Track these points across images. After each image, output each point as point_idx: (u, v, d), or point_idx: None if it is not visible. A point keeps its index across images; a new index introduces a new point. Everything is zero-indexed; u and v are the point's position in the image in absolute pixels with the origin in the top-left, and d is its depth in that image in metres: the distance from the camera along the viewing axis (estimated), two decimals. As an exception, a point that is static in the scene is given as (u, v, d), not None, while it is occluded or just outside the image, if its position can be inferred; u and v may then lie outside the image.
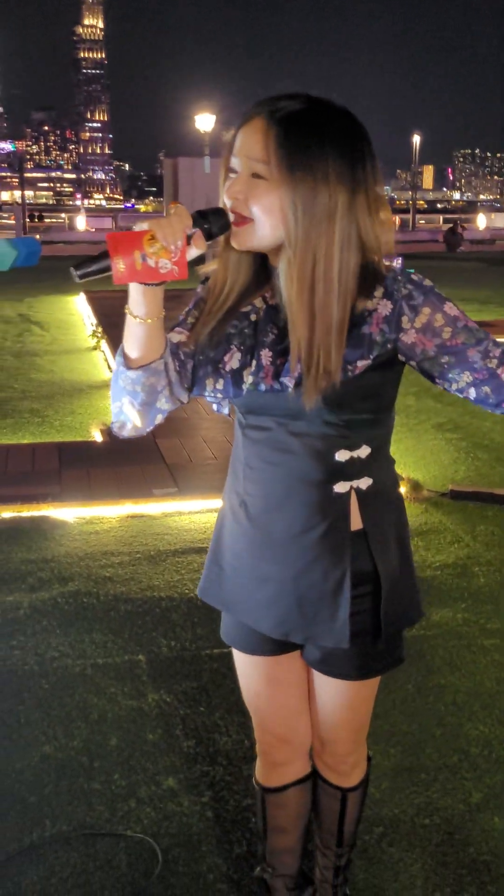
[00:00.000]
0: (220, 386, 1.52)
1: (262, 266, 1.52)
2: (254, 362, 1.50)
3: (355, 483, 1.56)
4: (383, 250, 1.47)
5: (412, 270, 1.52)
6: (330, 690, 1.75)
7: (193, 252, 1.40)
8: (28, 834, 2.37)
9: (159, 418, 1.55)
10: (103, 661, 3.23)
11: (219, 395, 1.53)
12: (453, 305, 1.51)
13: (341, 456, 1.53)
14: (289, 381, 1.47)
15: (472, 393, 1.50)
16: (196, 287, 1.64)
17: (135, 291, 1.40)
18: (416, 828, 2.41)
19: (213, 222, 1.41)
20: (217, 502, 4.86)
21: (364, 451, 1.55)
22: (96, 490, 4.94)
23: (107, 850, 2.32)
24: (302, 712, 1.83)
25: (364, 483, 1.57)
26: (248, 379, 1.50)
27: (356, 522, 1.58)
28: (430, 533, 4.49)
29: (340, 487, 1.55)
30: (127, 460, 5.50)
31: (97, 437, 6.21)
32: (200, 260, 1.51)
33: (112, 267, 1.35)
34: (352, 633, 1.61)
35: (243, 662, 1.79)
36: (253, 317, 1.53)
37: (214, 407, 1.62)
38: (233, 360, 1.51)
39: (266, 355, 1.50)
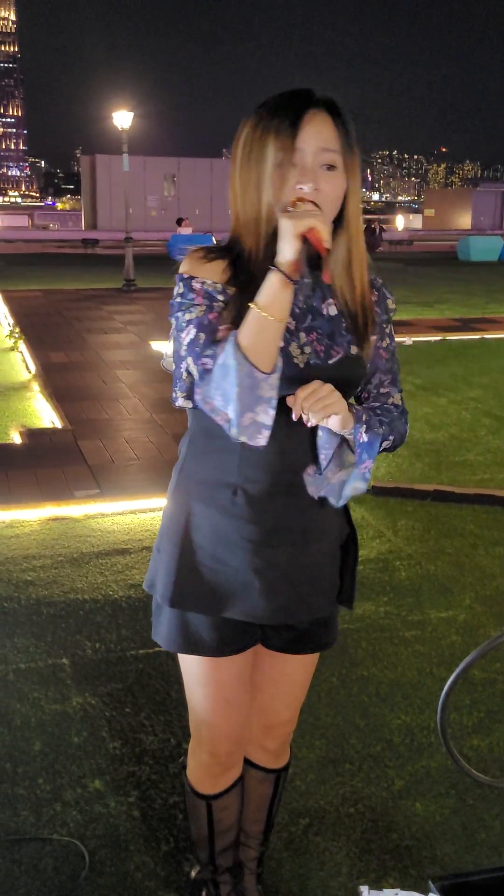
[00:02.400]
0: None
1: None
2: (301, 335, 1.55)
3: None
4: None
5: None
6: (294, 668, 1.82)
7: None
8: (-49, 843, 2.33)
9: (176, 393, 1.57)
10: (26, 665, 3.19)
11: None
12: None
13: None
14: (336, 353, 1.56)
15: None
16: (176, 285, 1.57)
17: (281, 291, 1.42)
18: (342, 817, 2.45)
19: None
20: (141, 503, 4.88)
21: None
22: (16, 493, 4.87)
23: (32, 854, 2.29)
24: (249, 708, 1.86)
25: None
26: (302, 351, 1.54)
27: None
28: (352, 528, 4.56)
29: None
30: (47, 462, 5.43)
31: (16, 439, 6.10)
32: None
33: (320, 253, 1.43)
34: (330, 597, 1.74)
35: (210, 667, 1.73)
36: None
37: (181, 402, 1.57)
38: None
39: (302, 332, 1.55)
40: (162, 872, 2.23)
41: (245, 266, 1.52)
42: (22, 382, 8.32)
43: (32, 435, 6.14)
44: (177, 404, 1.57)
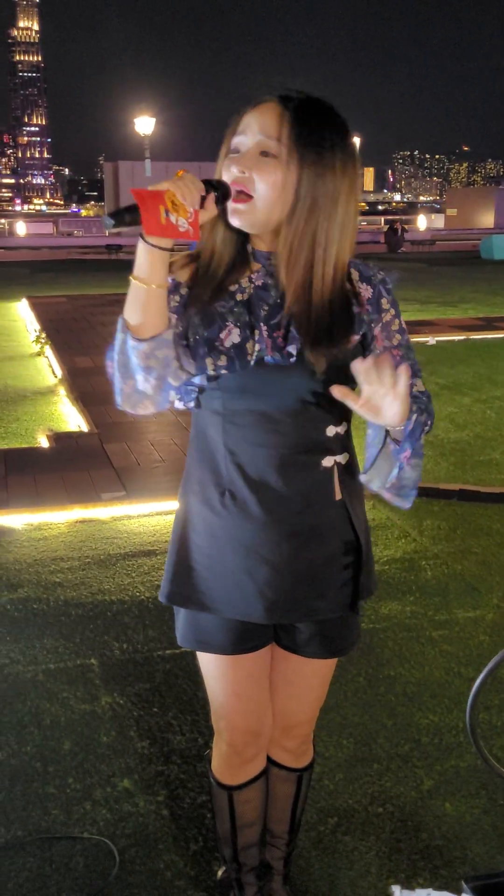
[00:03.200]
0: (222, 362, 1.53)
1: (243, 247, 1.57)
2: (256, 333, 1.53)
3: (338, 458, 1.64)
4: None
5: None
6: (311, 670, 1.80)
7: (205, 215, 1.45)
8: (-17, 841, 2.35)
9: (172, 395, 1.59)
10: (55, 666, 3.22)
11: (222, 372, 1.53)
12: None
13: (329, 431, 1.61)
14: (293, 350, 1.51)
15: None
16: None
17: (145, 256, 1.42)
18: (370, 816, 2.45)
19: (219, 187, 1.47)
20: (166, 504, 4.91)
21: (343, 428, 1.64)
22: (44, 496, 4.91)
23: (63, 853, 2.31)
24: (268, 704, 1.86)
25: (343, 458, 1.65)
26: (255, 348, 1.52)
27: (337, 494, 1.65)
28: (379, 528, 4.55)
29: (327, 462, 1.62)
30: (74, 465, 5.47)
31: (43, 443, 6.16)
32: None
33: (142, 218, 1.38)
34: (339, 603, 1.70)
35: (220, 664, 1.75)
36: (240, 296, 1.56)
37: (179, 405, 1.62)
38: (231, 336, 1.54)
39: (263, 329, 1.53)
40: (191, 872, 2.24)
41: (209, 255, 1.56)
42: (48, 387, 8.39)
43: (59, 439, 6.19)
44: (165, 406, 1.61)
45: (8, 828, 2.40)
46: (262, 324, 1.54)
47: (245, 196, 1.47)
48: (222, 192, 1.48)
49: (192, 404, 1.62)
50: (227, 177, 1.48)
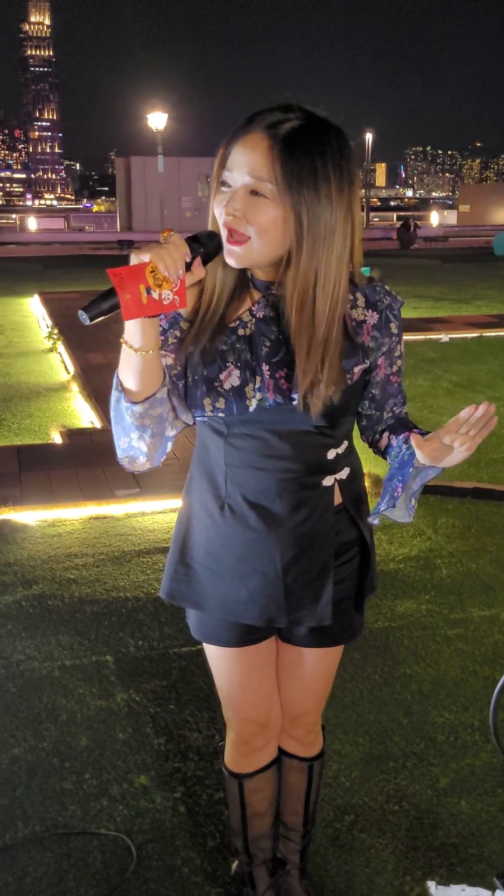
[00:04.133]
0: (220, 405, 1.51)
1: (242, 278, 1.53)
2: (257, 378, 1.49)
3: (338, 476, 1.65)
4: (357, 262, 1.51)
5: (382, 282, 1.61)
6: (311, 661, 1.82)
7: (192, 278, 1.40)
8: (0, 836, 2.36)
9: (169, 447, 1.57)
10: (70, 662, 3.23)
11: (220, 416, 1.51)
12: None
13: (330, 454, 1.61)
14: (296, 395, 1.48)
15: (363, 422, 1.70)
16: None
17: (132, 325, 1.37)
18: (386, 814, 2.45)
19: (207, 245, 1.40)
20: (180, 501, 4.87)
21: (344, 447, 1.64)
22: (57, 492, 4.92)
23: (81, 848, 2.32)
24: (275, 694, 1.88)
25: (344, 474, 1.66)
26: (254, 395, 1.50)
27: (337, 500, 1.66)
28: (393, 527, 4.55)
29: (327, 481, 1.63)
30: (88, 462, 5.48)
31: (56, 439, 6.18)
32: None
33: (121, 304, 1.32)
34: (337, 600, 1.71)
35: (224, 656, 1.78)
36: (241, 331, 1.52)
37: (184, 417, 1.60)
38: (231, 378, 1.50)
39: (265, 370, 1.50)
40: (209, 867, 2.25)
41: (214, 291, 1.51)
42: (61, 383, 8.41)
43: (73, 435, 6.20)
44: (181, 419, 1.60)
45: (26, 823, 2.41)
46: (263, 364, 1.50)
47: (240, 237, 1.40)
48: (213, 247, 1.41)
49: (190, 421, 1.60)
50: (218, 213, 1.42)
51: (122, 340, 1.40)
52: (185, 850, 2.31)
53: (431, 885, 1.79)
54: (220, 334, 1.51)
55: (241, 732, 1.89)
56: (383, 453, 1.70)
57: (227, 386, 1.50)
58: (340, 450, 1.62)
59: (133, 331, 1.38)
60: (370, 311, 1.55)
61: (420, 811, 2.47)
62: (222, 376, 1.50)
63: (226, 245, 1.42)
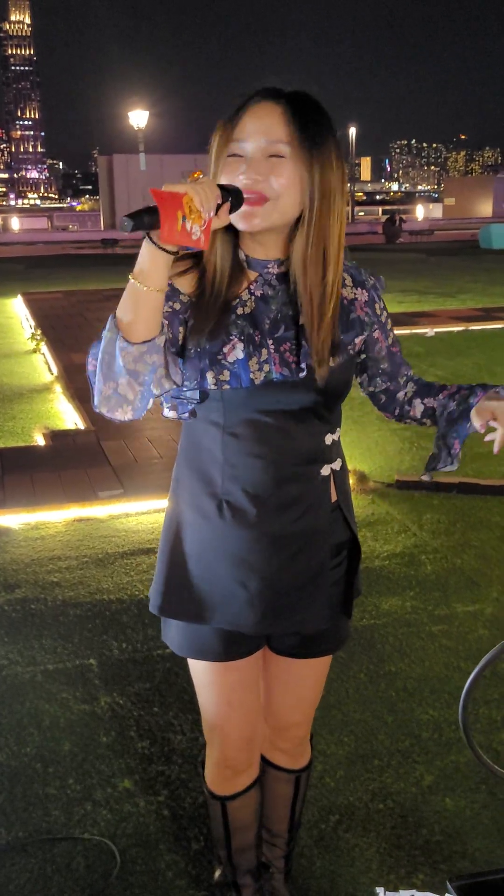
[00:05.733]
0: (225, 377, 1.51)
1: (237, 259, 1.55)
2: (263, 351, 1.52)
3: (333, 465, 1.66)
4: None
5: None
6: (301, 671, 1.80)
7: (216, 223, 1.40)
8: (-17, 844, 2.35)
9: (150, 404, 1.54)
10: (54, 666, 3.21)
11: (224, 387, 1.51)
12: None
13: (327, 440, 1.63)
14: (304, 365, 1.52)
15: (382, 399, 1.78)
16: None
17: (149, 258, 1.36)
18: (371, 813, 2.45)
19: (233, 194, 1.42)
20: (164, 502, 4.84)
21: (337, 434, 1.67)
22: (40, 495, 4.90)
23: (64, 854, 2.31)
24: (260, 709, 1.86)
25: (337, 464, 1.68)
26: (260, 368, 1.51)
27: (333, 497, 1.68)
28: (378, 523, 4.55)
29: (325, 471, 1.64)
30: (71, 464, 5.46)
31: (39, 441, 6.14)
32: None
33: (161, 223, 1.31)
34: (330, 606, 1.70)
35: (213, 671, 1.73)
36: (240, 310, 1.54)
37: (171, 413, 1.59)
38: (235, 351, 1.51)
39: (270, 344, 1.52)
40: (192, 871, 2.24)
41: (206, 265, 1.52)
42: (45, 384, 8.38)
43: (56, 436, 6.17)
44: (165, 414, 1.61)
45: (9, 829, 2.40)
46: (268, 338, 1.52)
47: (262, 198, 1.44)
48: (237, 201, 1.43)
49: (185, 415, 1.58)
50: (234, 182, 1.44)
51: (132, 277, 1.38)
52: (169, 854, 2.30)
53: (380, 890, 1.77)
54: (226, 312, 1.52)
55: (225, 754, 1.83)
56: (419, 419, 1.77)
57: (230, 359, 1.51)
58: (335, 436, 1.65)
59: (153, 267, 1.36)
60: (359, 289, 1.61)
61: (405, 809, 2.46)
62: (226, 349, 1.51)
63: (246, 209, 1.44)
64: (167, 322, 1.51)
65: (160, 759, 2.68)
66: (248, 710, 1.80)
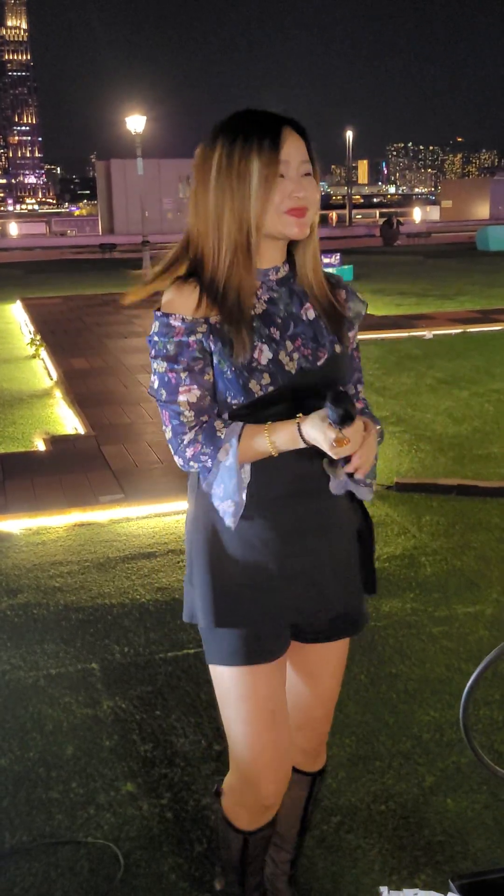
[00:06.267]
0: (266, 380, 1.61)
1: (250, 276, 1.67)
2: (287, 343, 1.65)
3: None
4: None
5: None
6: (328, 656, 1.85)
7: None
8: (-12, 848, 2.36)
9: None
10: (56, 671, 3.23)
11: (269, 389, 1.61)
12: None
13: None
14: (322, 353, 1.67)
15: None
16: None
17: (294, 444, 1.57)
18: (373, 814, 2.46)
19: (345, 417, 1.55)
20: (165, 506, 4.91)
21: None
22: (41, 500, 4.91)
23: (68, 857, 2.32)
24: (289, 733, 1.82)
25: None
26: (291, 358, 1.64)
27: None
28: (378, 526, 4.56)
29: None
30: (72, 468, 5.47)
31: (40, 446, 6.16)
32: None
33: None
34: (358, 586, 1.83)
35: (259, 676, 1.71)
36: (253, 312, 1.66)
37: None
38: (264, 353, 1.62)
39: (286, 340, 1.66)
40: (196, 873, 2.25)
41: (226, 288, 1.60)
42: (44, 389, 8.40)
43: (56, 442, 6.19)
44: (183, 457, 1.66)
45: (13, 833, 2.41)
46: (284, 335, 1.66)
47: (304, 211, 1.61)
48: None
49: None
50: (286, 199, 1.58)
51: (271, 448, 1.59)
52: (173, 857, 2.31)
53: (384, 889, 1.77)
54: (249, 324, 1.63)
55: (261, 792, 1.78)
56: None
57: (264, 361, 1.62)
58: None
59: (289, 445, 1.58)
60: (338, 289, 1.77)
61: (406, 810, 2.48)
62: (256, 355, 1.62)
63: (297, 221, 1.60)
64: (202, 364, 1.62)
65: (163, 763, 2.69)
66: (284, 728, 1.78)
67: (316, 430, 1.52)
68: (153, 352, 1.63)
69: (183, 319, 1.60)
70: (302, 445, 1.57)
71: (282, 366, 1.62)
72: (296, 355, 1.64)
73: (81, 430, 6.58)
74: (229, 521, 1.62)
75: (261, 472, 1.64)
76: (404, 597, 3.77)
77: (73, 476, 5.31)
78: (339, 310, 1.72)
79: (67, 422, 7.05)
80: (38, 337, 11.04)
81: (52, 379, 8.80)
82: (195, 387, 1.61)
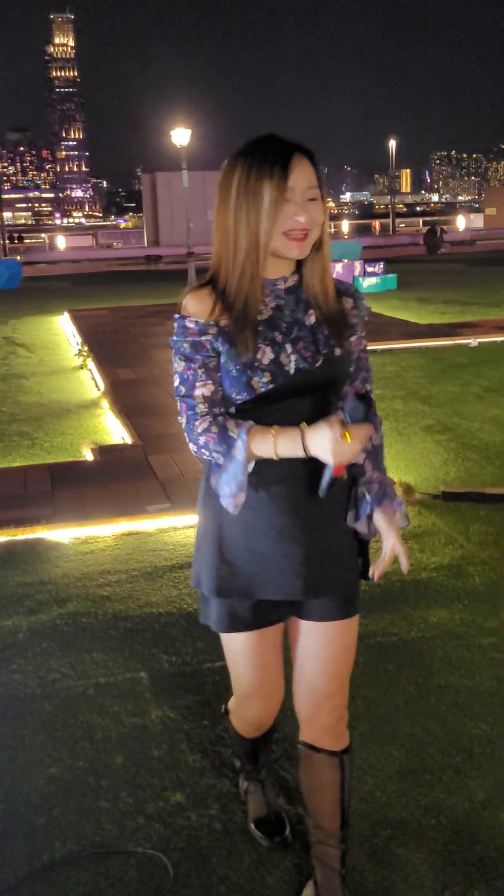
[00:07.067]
0: (266, 378, 1.79)
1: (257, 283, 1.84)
2: (287, 346, 1.81)
3: None
4: None
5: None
6: (331, 636, 1.98)
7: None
8: (38, 856, 2.38)
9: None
10: (105, 680, 3.25)
11: (269, 387, 1.79)
12: None
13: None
14: (320, 356, 1.82)
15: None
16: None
17: (293, 453, 1.75)
18: (424, 828, 2.43)
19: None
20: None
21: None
22: (90, 509, 4.96)
23: (117, 867, 2.33)
24: (280, 669, 2.12)
25: None
26: (290, 359, 1.80)
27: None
28: (425, 535, 4.52)
29: None
30: (119, 478, 5.52)
31: (88, 456, 6.22)
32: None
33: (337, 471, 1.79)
34: (353, 569, 1.99)
35: (250, 641, 2.00)
36: (260, 317, 1.83)
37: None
38: (267, 354, 1.80)
39: (288, 343, 1.82)
40: (246, 885, 2.24)
41: (236, 294, 1.79)
42: (92, 400, 8.49)
43: (103, 451, 6.25)
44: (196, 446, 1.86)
45: (63, 842, 2.42)
46: (287, 339, 1.82)
47: (307, 234, 1.78)
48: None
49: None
50: (289, 221, 1.74)
51: (272, 454, 1.76)
52: (222, 868, 2.31)
53: None
54: (256, 327, 1.81)
55: (261, 712, 2.15)
56: None
57: (265, 361, 1.79)
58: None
59: (292, 454, 1.76)
60: (345, 297, 1.92)
61: (458, 825, 2.44)
62: (259, 356, 1.80)
63: (295, 244, 1.77)
64: (215, 362, 1.82)
65: (211, 773, 2.69)
66: (277, 671, 2.09)
67: (319, 436, 1.71)
68: (174, 351, 1.86)
69: (196, 322, 1.81)
70: (302, 455, 1.74)
71: (281, 366, 1.79)
72: (294, 357, 1.80)
73: (129, 440, 6.63)
74: (232, 510, 1.80)
75: (264, 465, 1.81)
76: (452, 607, 3.73)
77: (121, 486, 5.35)
78: (344, 317, 1.88)
79: (115, 432, 7.11)
80: (86, 348, 11.18)
81: (99, 389, 8.89)
82: (210, 382, 1.81)
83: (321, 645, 1.98)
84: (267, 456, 1.76)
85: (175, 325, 1.86)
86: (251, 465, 1.79)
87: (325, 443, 1.70)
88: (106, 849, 2.39)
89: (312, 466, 1.82)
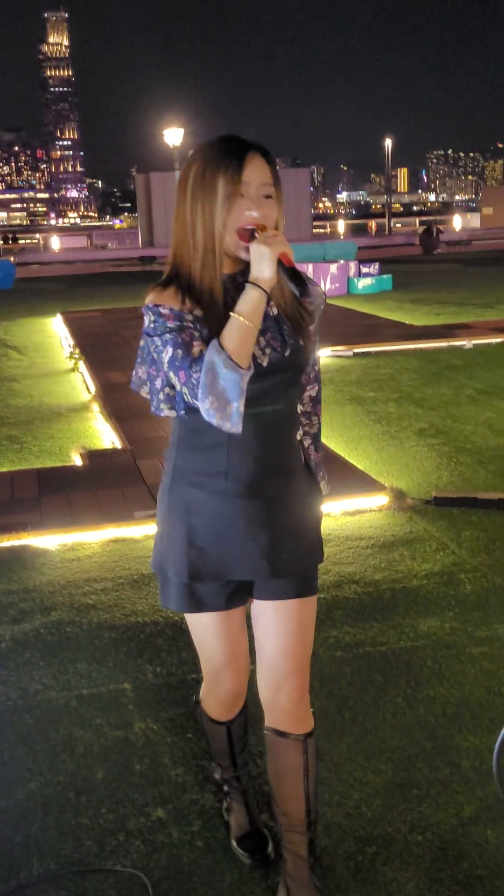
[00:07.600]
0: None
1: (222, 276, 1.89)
2: (260, 338, 1.85)
3: (304, 428, 2.10)
4: None
5: None
6: (287, 615, 2.02)
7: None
8: (15, 875, 2.32)
9: (162, 405, 1.93)
10: (88, 691, 3.19)
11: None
12: None
13: (299, 409, 2.07)
14: (289, 343, 1.89)
15: None
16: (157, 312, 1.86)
17: (258, 302, 1.75)
18: (410, 845, 2.38)
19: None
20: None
21: (300, 406, 2.08)
22: (77, 515, 4.90)
23: (96, 886, 2.28)
24: (246, 645, 2.19)
25: (304, 429, 2.11)
26: (263, 352, 1.85)
27: (302, 459, 2.07)
28: (416, 542, 4.47)
29: (299, 435, 2.07)
30: (107, 483, 5.46)
31: (77, 460, 6.17)
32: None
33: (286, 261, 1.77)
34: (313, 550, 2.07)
35: (221, 621, 2.07)
36: None
37: (168, 412, 1.91)
38: None
39: (261, 337, 1.86)
40: (226, 905, 2.19)
41: (200, 287, 1.83)
42: (82, 403, 8.43)
43: (93, 456, 6.19)
44: (161, 414, 1.91)
45: (41, 860, 2.37)
46: (260, 336, 1.85)
47: (262, 229, 1.79)
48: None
49: (182, 412, 1.89)
50: (243, 216, 1.79)
51: (239, 319, 1.74)
52: (203, 887, 2.26)
53: None
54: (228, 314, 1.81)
55: (232, 685, 2.18)
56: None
57: None
58: (304, 407, 2.09)
59: (257, 307, 1.75)
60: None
61: (444, 841, 2.39)
62: None
63: (244, 245, 1.79)
64: (198, 333, 1.82)
65: (194, 788, 2.64)
66: (243, 647, 2.16)
67: (253, 259, 1.74)
68: (155, 333, 1.83)
69: (171, 308, 1.82)
70: (261, 287, 1.74)
71: (255, 358, 1.83)
72: (268, 350, 1.86)
73: (118, 445, 6.57)
74: (233, 428, 1.75)
75: (234, 453, 1.89)
76: (443, 616, 3.68)
77: (109, 491, 5.30)
78: (300, 305, 1.93)
79: (105, 436, 7.06)
80: (77, 350, 11.11)
81: (90, 393, 8.84)
82: (203, 343, 1.79)
83: (278, 623, 2.03)
84: (242, 327, 1.73)
85: (148, 314, 1.85)
86: (246, 378, 1.73)
87: (258, 253, 1.73)
88: (85, 867, 2.34)
89: (278, 455, 1.94)
